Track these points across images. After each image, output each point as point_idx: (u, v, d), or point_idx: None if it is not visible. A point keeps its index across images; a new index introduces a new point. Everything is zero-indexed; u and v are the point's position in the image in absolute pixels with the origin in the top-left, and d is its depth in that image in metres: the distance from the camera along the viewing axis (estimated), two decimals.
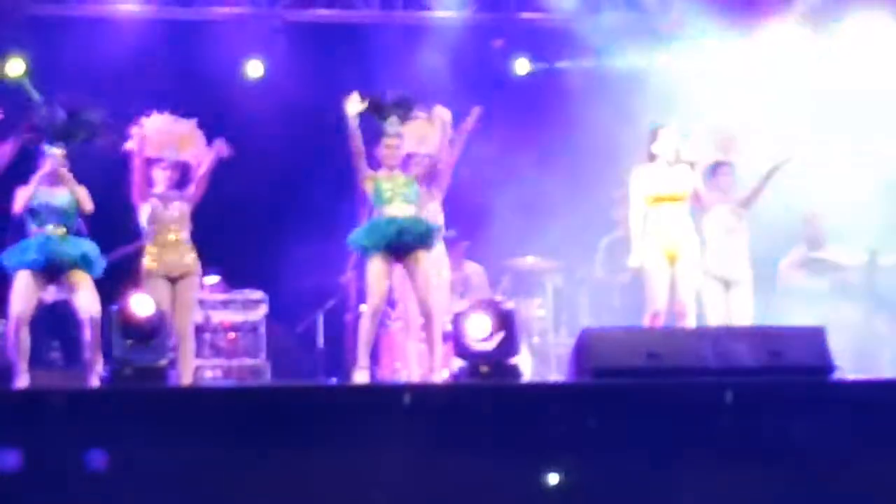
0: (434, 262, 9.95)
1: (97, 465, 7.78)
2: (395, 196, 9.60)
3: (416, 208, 9.69)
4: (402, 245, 9.53)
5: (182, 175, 9.85)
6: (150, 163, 9.74)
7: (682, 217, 10.07)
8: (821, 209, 11.73)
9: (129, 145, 9.68)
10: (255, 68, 12.83)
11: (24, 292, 9.16)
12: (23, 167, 9.45)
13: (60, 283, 9.39)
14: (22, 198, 9.31)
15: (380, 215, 9.62)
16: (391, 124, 9.69)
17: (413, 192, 9.67)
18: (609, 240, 11.93)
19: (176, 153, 9.79)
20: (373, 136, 9.72)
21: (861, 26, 12.68)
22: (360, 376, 9.45)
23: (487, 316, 9.06)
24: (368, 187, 9.66)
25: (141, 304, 8.88)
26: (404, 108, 9.73)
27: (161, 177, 9.77)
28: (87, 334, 9.19)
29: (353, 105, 9.64)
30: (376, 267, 9.53)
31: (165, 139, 9.78)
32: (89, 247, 9.37)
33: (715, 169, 10.42)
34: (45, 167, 9.38)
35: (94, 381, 9.01)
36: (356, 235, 9.63)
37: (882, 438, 8.26)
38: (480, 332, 9.00)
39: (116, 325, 8.82)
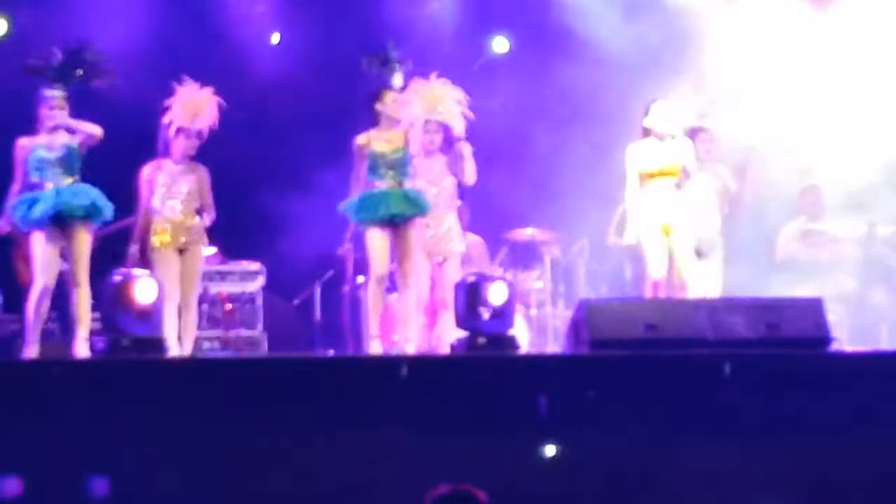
0: (445, 234, 9.98)
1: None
2: (387, 171, 9.60)
3: (407, 178, 9.66)
4: (396, 221, 9.56)
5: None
6: (177, 132, 9.75)
7: (674, 191, 10.03)
8: (820, 180, 11.72)
9: (168, 118, 9.68)
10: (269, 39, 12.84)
11: (47, 258, 9.04)
12: (22, 114, 9.38)
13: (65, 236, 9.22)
14: (23, 153, 9.20)
15: (372, 188, 9.62)
16: (397, 78, 9.68)
17: (403, 160, 9.64)
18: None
19: (199, 121, 9.77)
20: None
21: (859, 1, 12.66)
22: (374, 347, 9.47)
23: (504, 286, 9.10)
24: (363, 153, 9.63)
25: (147, 289, 8.90)
26: (403, 64, 9.70)
27: (184, 147, 9.75)
28: (76, 298, 9.14)
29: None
30: (375, 236, 9.56)
31: (191, 108, 9.75)
32: (97, 194, 9.26)
33: (691, 135, 10.36)
34: (45, 112, 9.24)
35: (82, 349, 8.99)
36: (351, 207, 9.64)
37: (879, 410, 8.27)
38: (498, 300, 9.03)
39: (120, 299, 8.82)
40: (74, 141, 9.25)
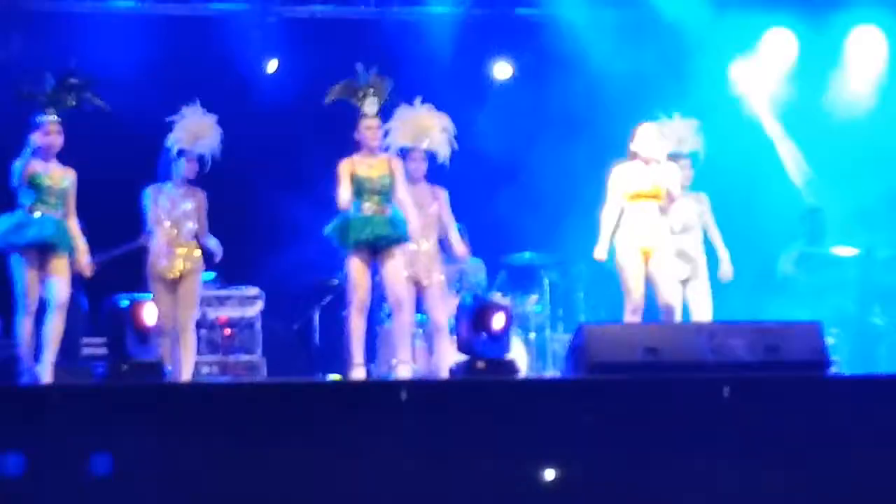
0: (427, 259, 9.99)
1: (102, 469, 7.78)
2: (371, 195, 9.58)
3: (391, 205, 9.64)
4: (378, 245, 9.55)
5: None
6: (178, 154, 9.77)
7: (657, 214, 10.03)
8: (821, 204, 11.75)
9: (171, 140, 9.70)
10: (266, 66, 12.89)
11: (28, 283, 9.07)
12: (17, 140, 9.38)
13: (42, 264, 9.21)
14: (26, 173, 9.19)
15: (356, 211, 9.59)
16: (369, 104, 9.65)
17: (388, 187, 9.62)
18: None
19: (201, 145, 9.79)
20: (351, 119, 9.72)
21: (856, 35, 12.74)
22: (357, 373, 9.46)
23: (503, 312, 9.10)
24: (344, 176, 9.61)
25: (151, 313, 8.92)
26: (380, 87, 9.69)
27: (185, 170, 9.77)
28: (52, 322, 9.12)
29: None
30: (356, 262, 9.54)
31: (194, 131, 9.78)
32: (72, 235, 9.31)
33: (673, 161, 10.37)
34: (40, 137, 9.23)
35: (48, 374, 8.98)
36: (332, 230, 9.62)
37: (878, 433, 8.26)
38: (499, 326, 9.05)
39: (128, 324, 8.81)
40: (70, 176, 9.28)
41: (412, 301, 9.94)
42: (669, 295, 9.88)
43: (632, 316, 9.82)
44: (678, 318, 9.91)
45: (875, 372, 10.42)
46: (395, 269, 9.60)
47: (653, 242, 9.90)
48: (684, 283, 10.32)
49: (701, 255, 10.48)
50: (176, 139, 9.77)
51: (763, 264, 11.65)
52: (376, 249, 9.56)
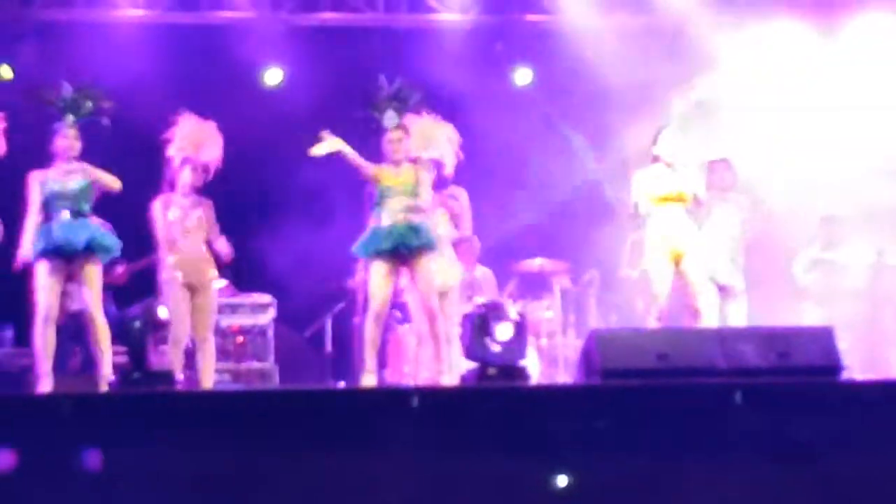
0: (441, 266, 9.97)
1: (92, 466, 7.77)
2: (397, 203, 9.57)
3: (419, 214, 9.64)
4: (403, 253, 9.52)
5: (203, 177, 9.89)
6: (182, 163, 9.78)
7: (685, 217, 10.02)
8: (837, 210, 11.73)
9: (172, 150, 9.71)
10: (271, 76, 12.90)
11: (46, 286, 9.07)
12: (35, 148, 9.41)
13: (74, 275, 9.22)
14: (35, 185, 9.24)
15: (380, 221, 9.59)
16: (389, 118, 9.64)
17: (415, 195, 9.62)
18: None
19: (204, 153, 9.80)
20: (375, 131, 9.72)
21: (866, 26, 12.70)
22: (368, 380, 9.45)
23: (508, 322, 9.09)
24: (374, 184, 9.62)
25: (165, 313, 8.96)
26: (400, 100, 9.68)
27: (190, 179, 9.78)
28: (91, 333, 9.16)
29: (320, 148, 9.58)
30: (378, 271, 9.50)
31: (195, 139, 9.79)
32: (98, 230, 9.28)
33: (710, 166, 10.39)
34: (59, 143, 9.27)
35: (103, 386, 9.01)
36: (358, 245, 9.63)
37: (891, 438, 8.25)
38: (504, 336, 9.04)
39: (148, 330, 8.83)
40: (88, 178, 9.26)
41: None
42: (697, 297, 9.86)
43: (655, 322, 9.81)
44: (706, 322, 9.88)
45: (887, 377, 10.39)
46: (427, 280, 9.57)
47: (682, 244, 9.88)
48: (719, 289, 10.32)
49: (739, 269, 10.51)
50: (178, 149, 9.77)
51: (777, 270, 11.62)
52: (402, 258, 9.54)
